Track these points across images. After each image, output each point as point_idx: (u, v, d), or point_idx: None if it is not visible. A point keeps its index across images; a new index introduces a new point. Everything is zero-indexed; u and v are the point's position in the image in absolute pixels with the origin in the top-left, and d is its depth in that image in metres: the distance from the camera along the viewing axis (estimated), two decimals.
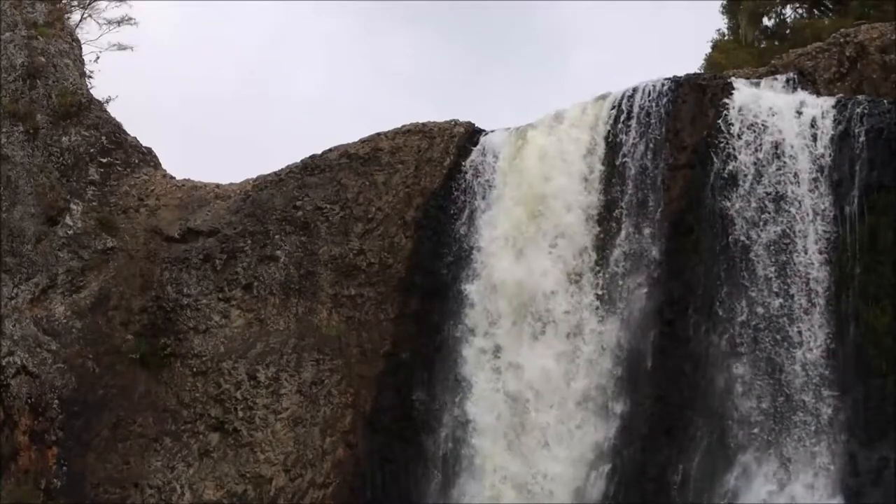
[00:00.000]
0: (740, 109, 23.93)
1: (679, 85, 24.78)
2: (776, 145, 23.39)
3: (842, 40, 25.57)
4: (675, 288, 23.47)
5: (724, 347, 22.68)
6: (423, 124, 27.62)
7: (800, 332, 22.30)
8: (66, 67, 30.29)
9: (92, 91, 31.01)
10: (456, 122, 27.43)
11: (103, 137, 29.71)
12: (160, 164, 30.38)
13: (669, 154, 24.27)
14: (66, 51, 30.71)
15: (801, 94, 24.45)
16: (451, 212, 26.52)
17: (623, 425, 23.36)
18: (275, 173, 28.47)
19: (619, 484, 23.02)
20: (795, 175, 23.07)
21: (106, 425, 26.95)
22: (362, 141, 27.89)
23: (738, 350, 22.50)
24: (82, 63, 31.57)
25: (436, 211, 26.56)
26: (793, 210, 22.88)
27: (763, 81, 25.26)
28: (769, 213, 23.00)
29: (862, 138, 22.76)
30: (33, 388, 26.96)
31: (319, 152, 28.21)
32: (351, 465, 25.86)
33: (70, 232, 28.44)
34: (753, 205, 23.15)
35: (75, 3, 33.91)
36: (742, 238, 23.04)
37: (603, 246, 24.59)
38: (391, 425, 25.64)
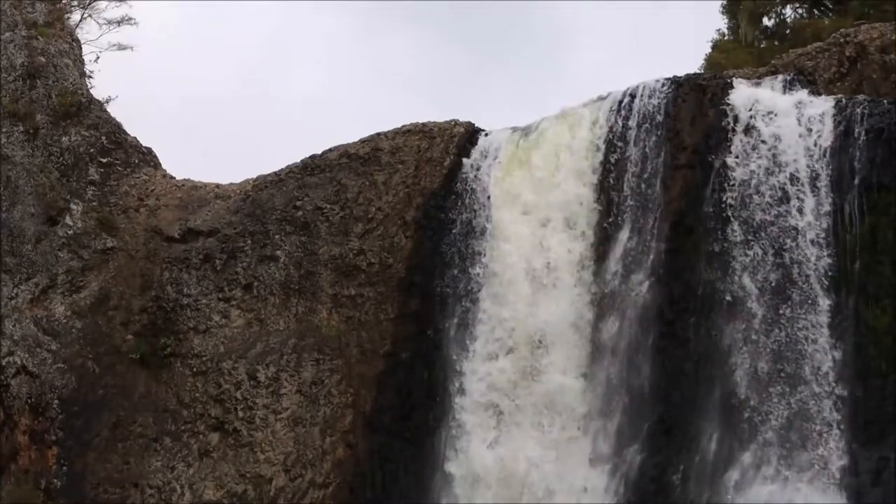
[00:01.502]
0: (740, 109, 23.92)
1: (679, 85, 24.75)
2: (776, 146, 23.37)
3: (842, 40, 25.53)
4: (675, 288, 23.46)
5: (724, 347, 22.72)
6: (423, 124, 27.60)
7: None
8: (66, 67, 30.27)
9: (92, 91, 30.99)
10: (456, 122, 27.40)
11: (103, 137, 29.68)
12: (160, 164, 30.36)
13: (669, 154, 24.27)
14: (66, 51, 30.69)
15: (801, 94, 24.43)
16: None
17: None
18: (275, 173, 28.46)
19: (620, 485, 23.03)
20: (795, 175, 23.05)
21: (106, 425, 26.95)
22: (362, 141, 27.87)
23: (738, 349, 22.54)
24: (82, 63, 31.56)
25: (436, 211, 26.55)
26: (793, 211, 22.87)
27: (763, 81, 25.25)
28: (769, 212, 23.00)
29: (862, 138, 22.73)
30: (33, 388, 26.95)
31: (319, 152, 28.19)
32: (351, 465, 25.84)
33: (70, 232, 28.42)
34: (755, 202, 23.16)
35: (75, 3, 33.94)
36: (740, 236, 23.07)
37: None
38: (391, 425, 25.60)
